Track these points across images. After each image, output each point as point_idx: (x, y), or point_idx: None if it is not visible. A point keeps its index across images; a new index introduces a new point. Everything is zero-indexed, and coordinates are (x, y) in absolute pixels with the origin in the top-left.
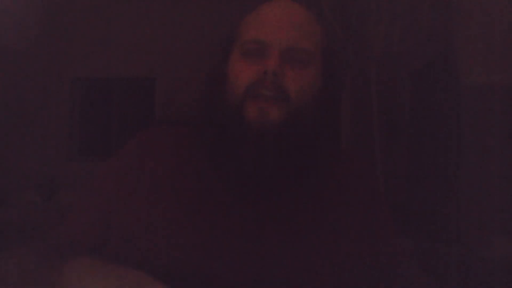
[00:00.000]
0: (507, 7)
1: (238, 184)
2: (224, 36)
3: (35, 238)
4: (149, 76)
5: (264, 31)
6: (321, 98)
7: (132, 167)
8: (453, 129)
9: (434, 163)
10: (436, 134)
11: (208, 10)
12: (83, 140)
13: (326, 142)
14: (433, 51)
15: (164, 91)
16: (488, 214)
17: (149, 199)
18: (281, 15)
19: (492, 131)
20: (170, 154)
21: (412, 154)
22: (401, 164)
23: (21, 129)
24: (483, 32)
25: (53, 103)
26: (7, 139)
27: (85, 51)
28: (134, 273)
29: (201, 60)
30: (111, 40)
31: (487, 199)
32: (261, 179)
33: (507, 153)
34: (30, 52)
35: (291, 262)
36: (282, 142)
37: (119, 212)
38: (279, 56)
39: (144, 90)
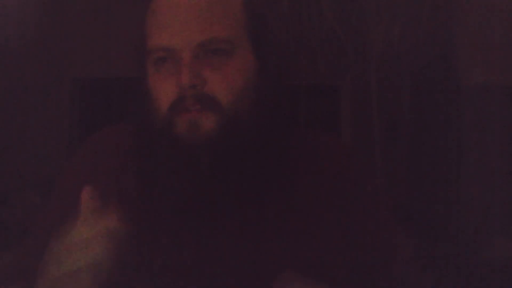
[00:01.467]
0: (507, 7)
1: (177, 198)
2: (135, 39)
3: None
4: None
5: (166, 34)
6: (260, 85)
7: (83, 170)
8: (453, 129)
9: (434, 163)
10: (436, 134)
11: None
12: (83, 140)
13: (283, 130)
14: (433, 51)
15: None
16: (488, 214)
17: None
18: (180, 7)
19: (492, 131)
20: (115, 156)
21: (412, 154)
22: (401, 164)
23: (21, 129)
24: (483, 32)
25: (53, 103)
26: (7, 139)
27: (85, 51)
28: None
29: None
30: (111, 40)
31: (487, 199)
32: (207, 192)
33: (507, 153)
34: (30, 52)
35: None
36: (221, 151)
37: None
38: (192, 58)
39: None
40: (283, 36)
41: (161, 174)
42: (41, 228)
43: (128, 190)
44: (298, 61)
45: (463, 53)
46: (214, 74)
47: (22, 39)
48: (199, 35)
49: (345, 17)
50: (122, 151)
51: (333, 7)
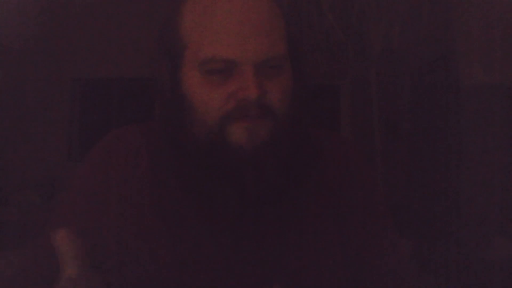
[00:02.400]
0: (507, 7)
1: (229, 206)
2: (163, 40)
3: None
4: (149, 76)
5: (229, 46)
6: (296, 97)
7: (98, 177)
8: (453, 129)
9: (434, 163)
10: (436, 134)
11: None
12: (83, 140)
13: (308, 136)
14: (433, 51)
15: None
16: (488, 214)
17: (120, 212)
18: (240, 16)
19: (492, 131)
20: (137, 158)
21: (412, 154)
22: (401, 164)
23: (21, 129)
24: (483, 32)
25: (53, 103)
26: (7, 139)
27: (85, 51)
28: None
29: None
30: (111, 40)
31: (487, 199)
32: (257, 198)
33: (507, 153)
34: (30, 52)
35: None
36: (274, 157)
37: (91, 227)
38: (254, 72)
39: (144, 90)
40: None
41: (209, 181)
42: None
43: (150, 198)
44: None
45: (463, 53)
46: (271, 86)
47: (22, 39)
48: (265, 52)
49: (345, 17)
50: (140, 155)
51: (333, 7)
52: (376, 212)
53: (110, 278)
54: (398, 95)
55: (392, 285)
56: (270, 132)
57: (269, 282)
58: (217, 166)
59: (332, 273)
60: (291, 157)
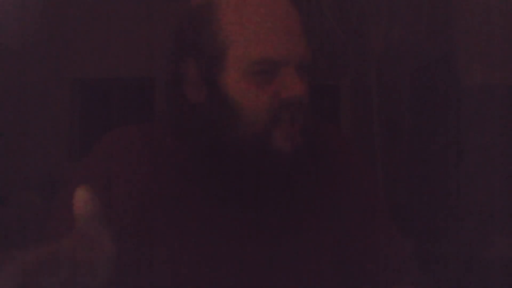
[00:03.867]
0: (507, 7)
1: (264, 209)
2: (190, 40)
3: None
4: (149, 76)
5: (274, 48)
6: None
7: (100, 172)
8: (453, 129)
9: (434, 163)
10: (436, 134)
11: None
12: (83, 140)
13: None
14: (433, 51)
15: (164, 91)
16: (488, 214)
17: (122, 208)
18: (283, 19)
19: (492, 131)
20: (144, 156)
21: (412, 154)
22: (401, 164)
23: (21, 129)
24: (483, 32)
25: (53, 103)
26: (7, 139)
27: (85, 51)
28: None
29: None
30: (111, 40)
31: (487, 199)
32: (290, 200)
33: (507, 153)
34: (30, 52)
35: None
36: (305, 159)
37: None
38: (296, 73)
39: (144, 90)
40: None
41: (253, 186)
42: (48, 232)
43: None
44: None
45: (463, 53)
46: (305, 88)
47: (22, 39)
48: (303, 54)
49: (345, 17)
50: (142, 154)
51: (333, 7)
52: (374, 208)
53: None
54: (398, 95)
55: (393, 283)
56: (303, 135)
57: (273, 280)
58: (256, 167)
59: (332, 271)
60: (313, 159)
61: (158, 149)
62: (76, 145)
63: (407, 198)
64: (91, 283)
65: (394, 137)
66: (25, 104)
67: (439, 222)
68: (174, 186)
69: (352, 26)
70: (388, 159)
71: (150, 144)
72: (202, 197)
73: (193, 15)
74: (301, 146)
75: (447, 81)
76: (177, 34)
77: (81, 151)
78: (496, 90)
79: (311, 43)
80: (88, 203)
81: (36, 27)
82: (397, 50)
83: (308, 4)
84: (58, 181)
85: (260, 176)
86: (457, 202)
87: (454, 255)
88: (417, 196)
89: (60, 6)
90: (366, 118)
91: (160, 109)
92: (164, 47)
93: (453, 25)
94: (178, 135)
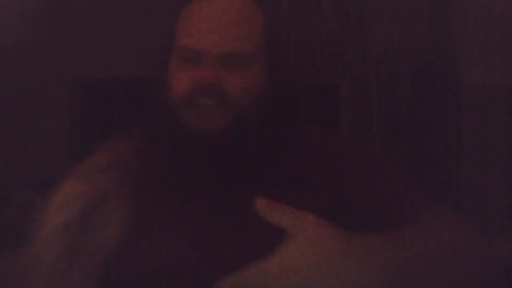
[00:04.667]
0: (507, 7)
1: (186, 188)
2: (164, 35)
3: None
4: (149, 76)
5: (196, 38)
6: (268, 93)
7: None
8: (453, 129)
9: (434, 163)
10: (436, 134)
11: None
12: (83, 140)
13: (285, 127)
14: (433, 51)
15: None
16: (488, 214)
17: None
18: (214, 15)
19: (492, 131)
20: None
21: (412, 153)
22: (401, 164)
23: (21, 129)
24: (483, 32)
25: (53, 103)
26: (7, 139)
27: (85, 51)
28: None
29: None
30: (111, 40)
31: (487, 199)
32: (210, 185)
33: (507, 153)
34: (30, 52)
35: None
36: (227, 148)
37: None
38: (215, 62)
39: (145, 90)
40: (284, 36)
41: (170, 162)
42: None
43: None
44: (298, 61)
45: (463, 53)
46: (230, 77)
47: (22, 39)
48: (226, 47)
49: (345, 17)
50: (140, 155)
51: (333, 7)
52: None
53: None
54: (398, 95)
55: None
56: (224, 123)
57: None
58: (178, 146)
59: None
60: (250, 149)
61: (149, 148)
62: (76, 145)
63: None
64: (101, 242)
65: (394, 137)
66: (25, 104)
67: None
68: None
69: (352, 26)
70: (388, 159)
71: (145, 145)
72: (163, 180)
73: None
74: (223, 131)
75: (447, 81)
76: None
77: (81, 151)
78: (496, 90)
79: (311, 43)
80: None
81: (36, 27)
82: (397, 50)
83: (308, 4)
84: (58, 181)
85: (181, 155)
86: (457, 203)
87: None
88: None
89: (60, 6)
90: (366, 118)
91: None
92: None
93: (453, 25)
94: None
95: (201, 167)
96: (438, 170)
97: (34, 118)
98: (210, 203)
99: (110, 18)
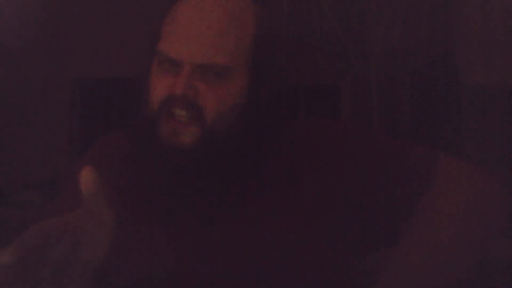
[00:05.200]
0: (507, 7)
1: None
2: (151, 36)
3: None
4: (133, 77)
5: (175, 46)
6: (244, 111)
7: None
8: (453, 128)
9: None
10: (436, 134)
11: None
12: (83, 140)
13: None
14: (433, 50)
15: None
16: None
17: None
18: (197, 19)
19: (492, 131)
20: (124, 163)
21: None
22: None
23: (21, 129)
24: (483, 32)
25: (53, 103)
26: (7, 139)
27: (85, 51)
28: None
29: None
30: (111, 40)
31: None
32: (180, 195)
33: (507, 153)
34: (30, 52)
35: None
36: (196, 161)
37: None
38: (191, 72)
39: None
40: (283, 36)
41: (145, 173)
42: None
43: (123, 188)
44: (298, 61)
45: (463, 53)
46: (207, 89)
47: (22, 39)
48: (204, 58)
49: (345, 17)
50: (127, 160)
51: (333, 7)
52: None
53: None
54: (398, 95)
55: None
56: (194, 137)
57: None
58: (150, 156)
59: (329, 265)
60: (221, 162)
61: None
62: (76, 145)
63: None
64: (91, 258)
65: (394, 137)
66: (25, 104)
67: None
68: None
69: (352, 26)
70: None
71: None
72: (146, 188)
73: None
74: (191, 147)
75: (447, 81)
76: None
77: (81, 151)
78: (497, 90)
79: (312, 43)
80: (93, 181)
81: (36, 27)
82: (397, 50)
83: (308, 4)
84: (58, 181)
85: (150, 164)
86: None
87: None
88: None
89: (60, 6)
90: (366, 118)
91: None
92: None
93: (453, 25)
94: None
95: (173, 179)
96: None
97: (34, 118)
98: (192, 211)
99: (110, 18)
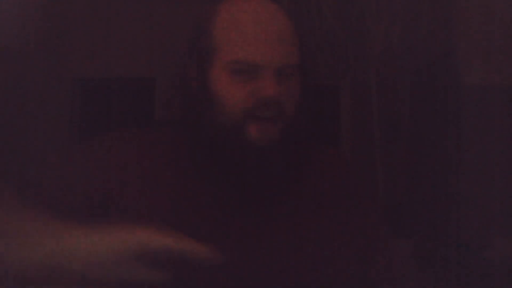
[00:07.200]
0: (507, 7)
1: (237, 195)
2: (195, 42)
3: None
4: (149, 76)
5: (254, 51)
6: (302, 103)
7: (121, 161)
8: (453, 129)
9: (434, 163)
10: (436, 134)
11: None
12: (83, 140)
13: (309, 143)
14: (433, 50)
15: (164, 91)
16: (488, 214)
17: (142, 199)
18: (266, 26)
19: (492, 131)
20: (151, 157)
21: (412, 154)
22: (401, 164)
23: (21, 129)
24: (483, 32)
25: (53, 103)
26: (7, 139)
27: (85, 51)
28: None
29: None
30: (111, 40)
31: (487, 200)
32: (261, 191)
33: (507, 153)
34: (30, 52)
35: (288, 266)
36: (281, 156)
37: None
38: (273, 76)
39: (144, 90)
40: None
41: (228, 173)
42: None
43: (171, 192)
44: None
45: (463, 53)
46: (284, 90)
47: (22, 39)
48: (284, 59)
49: (345, 17)
50: (155, 154)
51: (333, 7)
52: (364, 217)
53: None
54: (398, 95)
55: (387, 284)
56: (280, 133)
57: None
58: (232, 157)
59: (330, 274)
60: (292, 159)
61: (156, 149)
62: (77, 145)
63: (407, 198)
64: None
65: (394, 137)
66: (25, 104)
67: (439, 222)
68: (172, 180)
69: (352, 26)
70: (388, 159)
71: (149, 145)
72: (197, 187)
73: (200, 23)
74: (278, 142)
75: (447, 81)
76: (190, 36)
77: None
78: (497, 90)
79: (311, 43)
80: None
81: (36, 27)
82: (397, 50)
83: (308, 4)
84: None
85: (238, 166)
86: (457, 203)
87: (454, 255)
88: (417, 196)
89: (60, 6)
90: (366, 118)
91: (159, 114)
92: (168, 49)
93: (453, 25)
94: (176, 132)
95: (256, 174)
96: (438, 170)
97: (34, 118)
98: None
99: (110, 18)
